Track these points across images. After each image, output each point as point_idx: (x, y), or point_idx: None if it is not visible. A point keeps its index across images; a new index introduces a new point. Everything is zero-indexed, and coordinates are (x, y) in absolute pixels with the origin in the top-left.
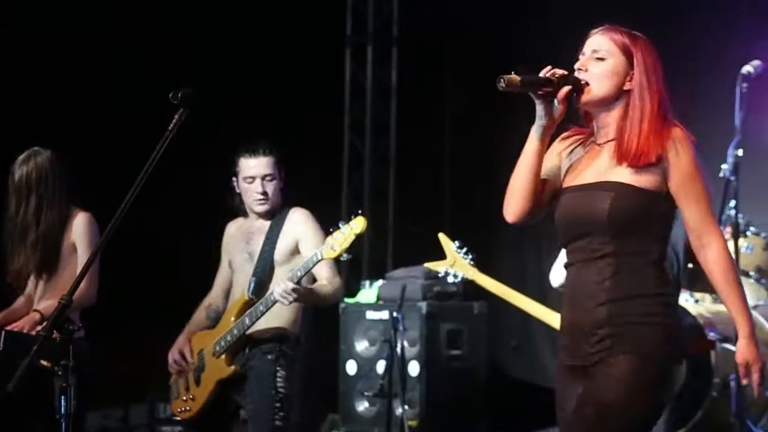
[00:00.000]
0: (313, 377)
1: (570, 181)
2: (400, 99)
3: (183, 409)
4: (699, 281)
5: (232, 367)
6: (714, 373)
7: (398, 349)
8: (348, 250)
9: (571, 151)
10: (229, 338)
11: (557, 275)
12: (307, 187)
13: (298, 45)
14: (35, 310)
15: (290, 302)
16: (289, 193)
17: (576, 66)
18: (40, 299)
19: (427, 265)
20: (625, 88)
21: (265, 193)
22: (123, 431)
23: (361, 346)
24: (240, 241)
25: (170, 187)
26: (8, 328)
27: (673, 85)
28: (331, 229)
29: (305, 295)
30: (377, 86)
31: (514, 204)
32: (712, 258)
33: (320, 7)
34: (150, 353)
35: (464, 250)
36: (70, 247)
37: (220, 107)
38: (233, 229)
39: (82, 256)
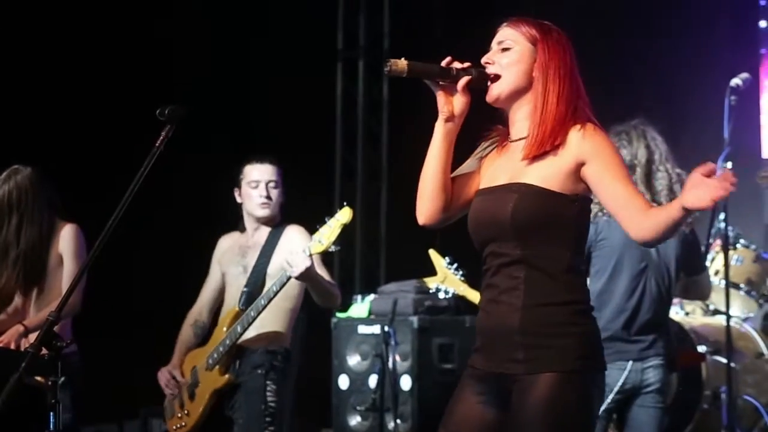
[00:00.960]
0: (304, 392)
1: (483, 184)
2: (392, 113)
3: (178, 426)
4: (691, 292)
5: (226, 376)
6: (704, 385)
7: (390, 364)
8: (336, 243)
9: (489, 153)
10: (221, 349)
11: None
12: (298, 201)
13: (290, 59)
14: (20, 323)
15: (299, 276)
16: (282, 206)
17: (482, 61)
18: (34, 314)
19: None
20: (534, 74)
21: (269, 197)
22: None
23: (353, 360)
24: (236, 255)
25: (163, 200)
26: None
27: (664, 97)
28: (317, 226)
29: (315, 273)
30: (369, 100)
31: (423, 205)
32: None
33: (312, 21)
34: (144, 369)
35: (455, 265)
36: (57, 260)
37: (211, 121)
38: (227, 242)
39: (68, 267)
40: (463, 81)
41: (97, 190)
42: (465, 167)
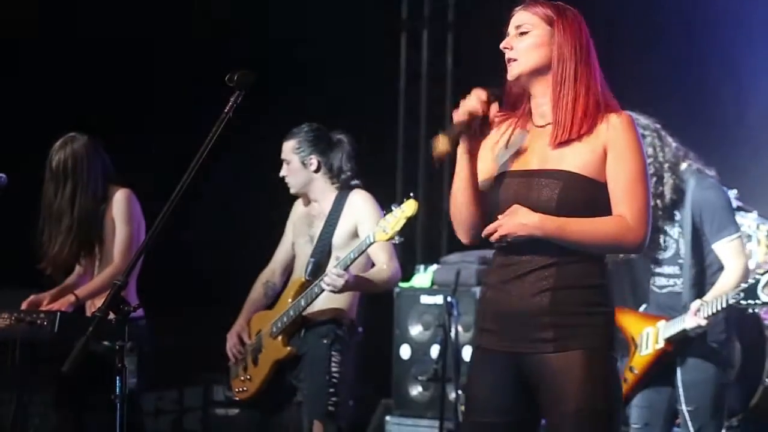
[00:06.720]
0: (365, 361)
1: (513, 165)
2: (455, 84)
3: (241, 389)
4: None
5: (288, 348)
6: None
7: (452, 334)
8: (400, 233)
9: (510, 137)
10: (285, 319)
11: None
12: (362, 171)
13: (354, 29)
14: (72, 293)
15: (338, 291)
16: (315, 171)
17: (501, 46)
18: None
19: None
20: (552, 56)
21: (283, 177)
22: (177, 413)
23: (415, 330)
24: (303, 225)
25: (236, 161)
26: (44, 308)
27: (731, 73)
28: (384, 212)
29: (355, 283)
30: (432, 72)
31: (464, 231)
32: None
33: None
34: (207, 335)
35: None
36: (112, 226)
37: (273, 90)
38: (300, 209)
39: (119, 231)
40: (475, 116)
41: (154, 156)
42: (484, 172)
